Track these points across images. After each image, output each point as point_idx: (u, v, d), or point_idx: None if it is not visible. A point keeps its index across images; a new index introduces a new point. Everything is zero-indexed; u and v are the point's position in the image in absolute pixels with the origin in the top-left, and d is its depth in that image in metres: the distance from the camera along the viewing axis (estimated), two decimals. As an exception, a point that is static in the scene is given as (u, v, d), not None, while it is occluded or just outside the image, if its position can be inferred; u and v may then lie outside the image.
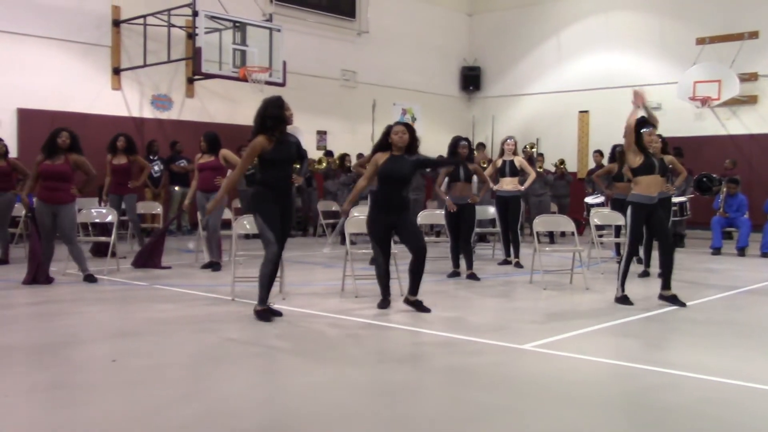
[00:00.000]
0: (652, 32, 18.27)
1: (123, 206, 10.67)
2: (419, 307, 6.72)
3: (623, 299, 7.24)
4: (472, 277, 8.84)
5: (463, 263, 9.06)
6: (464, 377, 4.69)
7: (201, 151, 9.74)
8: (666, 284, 7.29)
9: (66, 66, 13.80)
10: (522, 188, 10.27)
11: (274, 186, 6.22)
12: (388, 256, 6.83)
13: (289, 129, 6.37)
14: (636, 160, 7.28)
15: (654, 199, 7.23)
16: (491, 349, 5.36)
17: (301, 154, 6.54)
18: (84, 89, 14.00)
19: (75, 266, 9.04)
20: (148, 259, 9.52)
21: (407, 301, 6.81)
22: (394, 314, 6.61)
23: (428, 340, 5.72)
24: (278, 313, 6.38)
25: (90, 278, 8.37)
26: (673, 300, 7.18)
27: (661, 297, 7.28)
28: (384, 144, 6.74)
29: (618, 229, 10.07)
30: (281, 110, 6.14)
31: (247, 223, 7.89)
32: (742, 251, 11.99)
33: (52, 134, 8.30)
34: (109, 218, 9.42)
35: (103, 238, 9.75)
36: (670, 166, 9.44)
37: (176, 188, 14.15)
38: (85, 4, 14.00)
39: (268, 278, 6.24)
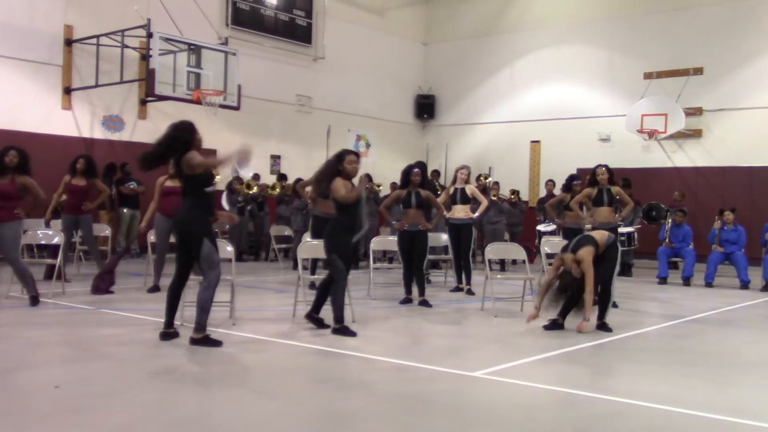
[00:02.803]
0: (602, 66, 18.76)
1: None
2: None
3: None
4: (424, 303, 8.85)
5: (415, 290, 9.07)
6: (415, 404, 4.68)
7: (169, 175, 9.28)
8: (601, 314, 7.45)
9: (16, 84, 13.55)
10: (474, 216, 10.37)
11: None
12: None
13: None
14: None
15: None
16: (442, 376, 5.37)
17: None
18: (33, 108, 13.75)
19: (19, 289, 8.80)
20: (108, 284, 9.27)
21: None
22: (345, 340, 6.58)
23: (379, 367, 5.71)
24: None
25: (34, 301, 8.15)
26: (603, 327, 7.36)
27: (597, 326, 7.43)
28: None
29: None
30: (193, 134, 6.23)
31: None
32: (687, 281, 12.26)
33: (0, 153, 8.13)
34: (56, 240, 9.21)
35: (49, 260, 9.52)
36: (618, 197, 9.65)
37: (125, 210, 13.95)
38: (37, 23, 13.79)
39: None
